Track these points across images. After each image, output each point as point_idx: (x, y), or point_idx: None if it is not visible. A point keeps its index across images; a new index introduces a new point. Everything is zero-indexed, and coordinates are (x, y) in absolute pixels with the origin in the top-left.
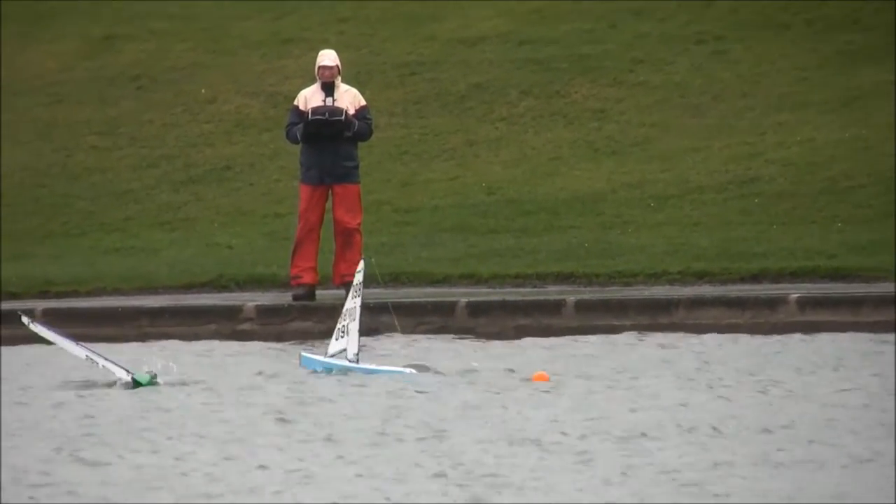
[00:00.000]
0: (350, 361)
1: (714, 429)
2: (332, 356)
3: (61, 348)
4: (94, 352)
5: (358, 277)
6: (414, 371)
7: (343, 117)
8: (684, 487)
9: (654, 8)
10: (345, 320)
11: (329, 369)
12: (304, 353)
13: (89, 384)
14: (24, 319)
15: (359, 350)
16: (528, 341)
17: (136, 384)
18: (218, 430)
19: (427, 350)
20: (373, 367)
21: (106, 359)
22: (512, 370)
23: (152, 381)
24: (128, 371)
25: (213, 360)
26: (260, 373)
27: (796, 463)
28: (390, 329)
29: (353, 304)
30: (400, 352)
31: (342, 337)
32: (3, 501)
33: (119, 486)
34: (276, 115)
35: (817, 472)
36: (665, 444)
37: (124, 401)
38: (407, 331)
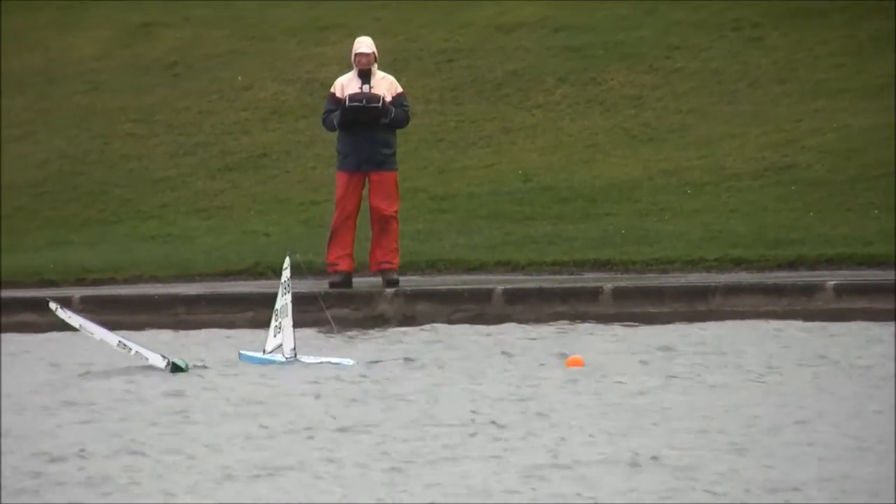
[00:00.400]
0: (287, 357)
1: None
2: (270, 352)
3: (90, 334)
4: (125, 338)
5: (285, 275)
6: (353, 362)
7: (380, 104)
8: None
9: None
10: (278, 318)
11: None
12: (242, 351)
13: (128, 370)
14: (52, 305)
15: (295, 345)
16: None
17: (175, 369)
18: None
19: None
20: (312, 360)
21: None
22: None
23: (188, 367)
24: (164, 356)
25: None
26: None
27: None
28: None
29: (283, 301)
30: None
31: (278, 333)
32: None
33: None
34: (312, 102)
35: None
36: None
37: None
38: (442, 319)
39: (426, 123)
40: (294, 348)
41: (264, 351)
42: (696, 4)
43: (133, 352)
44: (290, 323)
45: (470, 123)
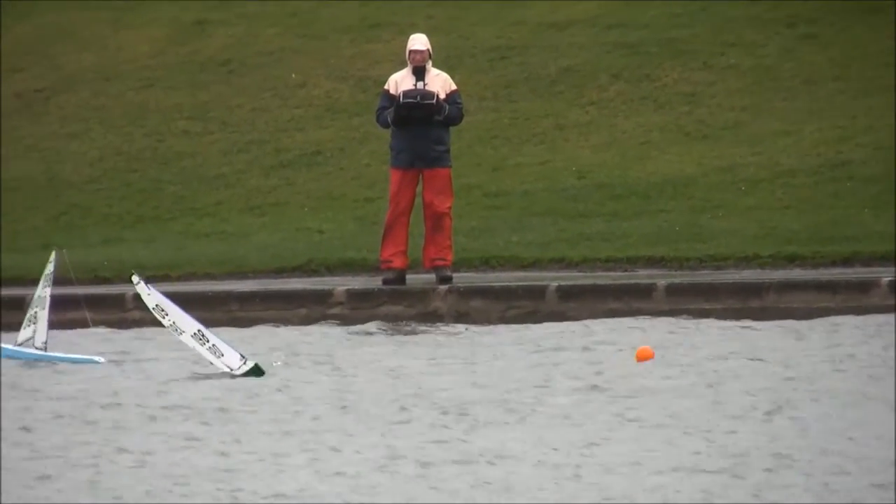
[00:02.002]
0: (38, 349)
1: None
2: (21, 344)
3: (162, 315)
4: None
5: (49, 268)
6: (103, 359)
7: (434, 101)
8: None
9: None
10: (34, 308)
11: (20, 358)
12: (3, 346)
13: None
14: (134, 278)
15: (47, 338)
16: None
17: (253, 372)
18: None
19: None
20: (62, 354)
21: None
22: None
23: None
24: (242, 356)
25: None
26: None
27: None
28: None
29: (44, 292)
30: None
31: (31, 325)
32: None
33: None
34: (365, 99)
35: None
36: None
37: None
38: (495, 316)
39: (480, 120)
40: (45, 342)
41: (15, 343)
42: (751, 1)
43: (209, 344)
44: (46, 316)
45: (524, 120)
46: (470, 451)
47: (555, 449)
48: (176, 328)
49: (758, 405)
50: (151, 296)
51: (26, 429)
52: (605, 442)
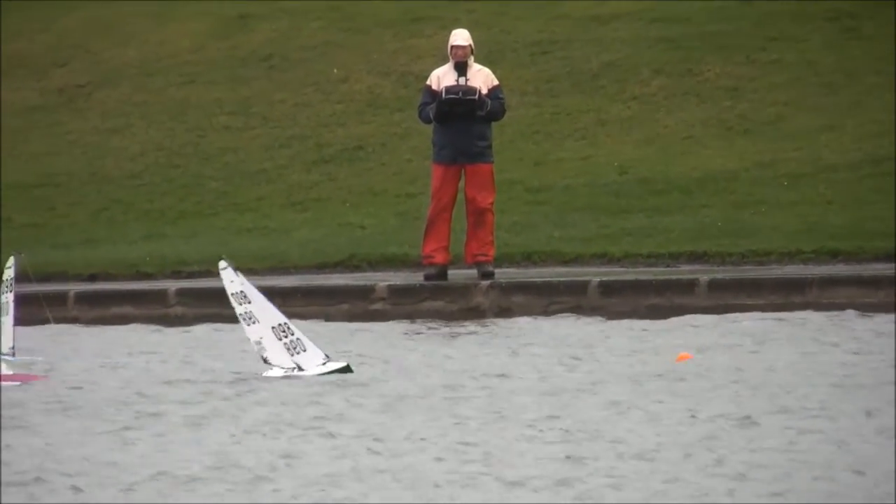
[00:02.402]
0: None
1: None
2: None
3: (241, 303)
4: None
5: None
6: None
7: (476, 96)
8: None
9: None
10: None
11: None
12: None
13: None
14: (222, 263)
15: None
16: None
17: (345, 370)
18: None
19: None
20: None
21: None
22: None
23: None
24: (326, 355)
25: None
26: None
27: None
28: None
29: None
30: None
31: None
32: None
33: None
34: (407, 94)
35: None
36: None
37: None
38: (538, 311)
39: (521, 115)
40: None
41: None
42: None
43: (292, 338)
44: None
45: (565, 115)
46: None
47: None
48: (250, 317)
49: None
50: (235, 282)
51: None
52: None
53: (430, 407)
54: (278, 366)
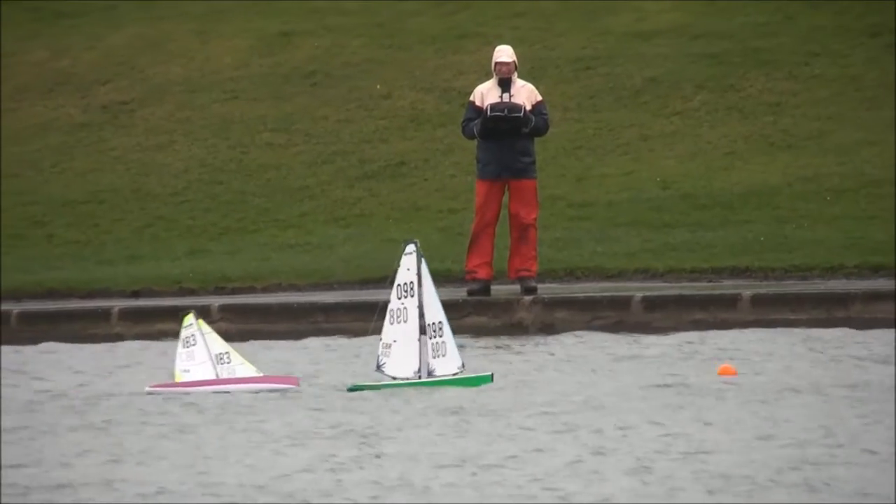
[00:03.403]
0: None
1: None
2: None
3: (404, 302)
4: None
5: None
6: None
7: (521, 113)
8: None
9: (829, 0)
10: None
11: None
12: None
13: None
14: (409, 246)
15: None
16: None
17: (482, 381)
18: None
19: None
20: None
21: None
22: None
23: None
24: (462, 364)
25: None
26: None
27: None
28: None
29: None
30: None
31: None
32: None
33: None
34: (450, 110)
35: None
36: None
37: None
38: (581, 326)
39: (564, 131)
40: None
41: None
42: (835, 10)
43: (441, 339)
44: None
45: (608, 131)
46: None
47: None
48: (399, 315)
49: None
50: (411, 271)
51: None
52: None
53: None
54: (390, 375)
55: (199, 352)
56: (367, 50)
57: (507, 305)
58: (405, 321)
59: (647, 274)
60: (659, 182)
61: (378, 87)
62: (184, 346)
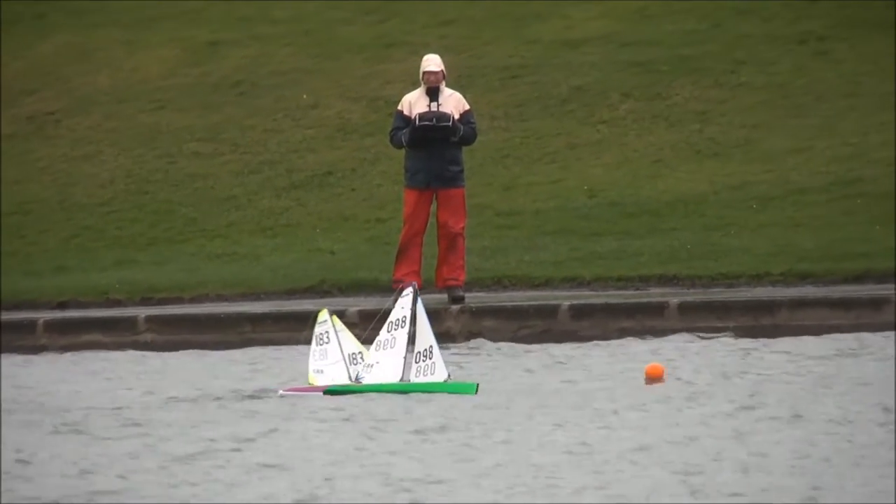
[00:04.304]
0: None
1: None
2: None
3: (393, 334)
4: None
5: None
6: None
7: (450, 122)
8: None
9: (758, 7)
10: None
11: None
12: None
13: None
14: (407, 290)
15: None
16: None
17: (465, 388)
18: None
19: None
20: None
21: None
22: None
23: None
24: (448, 374)
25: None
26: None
27: None
28: None
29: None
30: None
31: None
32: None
33: None
34: (377, 119)
35: None
36: None
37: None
38: (508, 335)
39: (492, 139)
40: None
41: None
42: (763, 18)
43: (430, 361)
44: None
45: (535, 139)
46: None
47: None
48: (388, 343)
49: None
50: (405, 308)
51: None
52: None
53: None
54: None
55: (332, 350)
56: (295, 59)
57: (435, 315)
58: (392, 347)
59: (575, 282)
60: (586, 190)
61: (305, 96)
62: (317, 344)
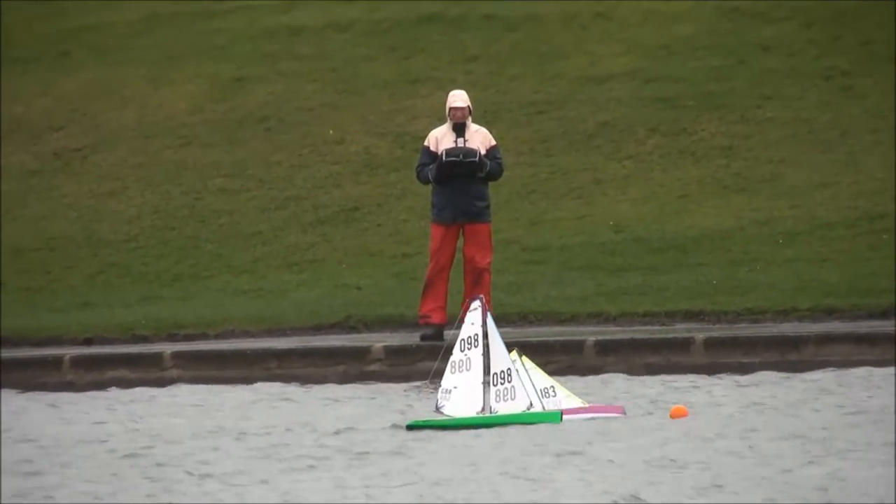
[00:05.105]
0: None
1: None
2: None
3: (468, 354)
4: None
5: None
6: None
7: (477, 158)
8: None
9: (782, 43)
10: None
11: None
12: None
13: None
14: (475, 304)
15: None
16: None
17: (549, 418)
18: None
19: None
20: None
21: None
22: None
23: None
24: (531, 402)
25: None
26: None
27: None
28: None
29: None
30: None
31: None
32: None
33: None
34: (403, 155)
35: None
36: None
37: None
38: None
39: (518, 175)
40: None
41: None
42: (788, 53)
43: (510, 384)
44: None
45: (561, 175)
46: None
47: None
48: (462, 364)
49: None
50: (475, 325)
51: None
52: None
53: None
54: (449, 415)
55: (518, 389)
56: (321, 95)
57: None
58: (468, 370)
59: (601, 318)
60: (612, 226)
61: (331, 132)
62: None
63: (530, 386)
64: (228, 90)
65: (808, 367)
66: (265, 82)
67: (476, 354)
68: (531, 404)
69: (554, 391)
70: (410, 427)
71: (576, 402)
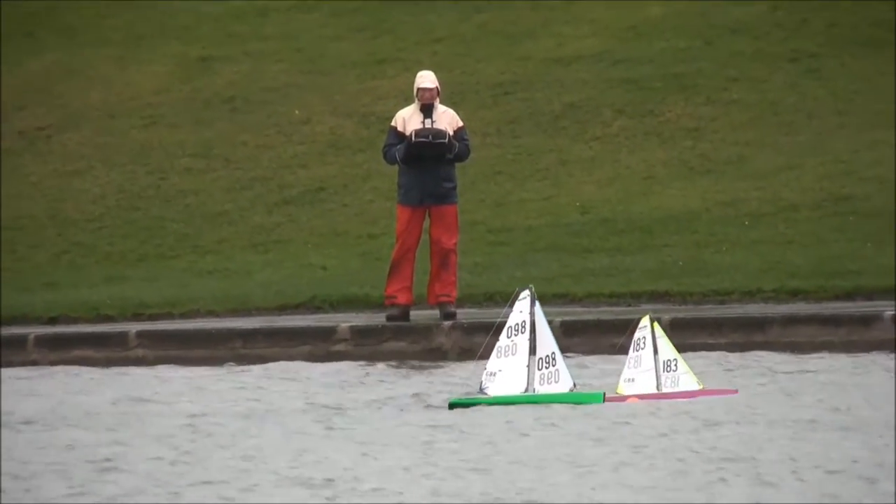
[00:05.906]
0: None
1: None
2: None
3: (514, 339)
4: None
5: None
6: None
7: (446, 140)
8: None
9: (750, 25)
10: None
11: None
12: None
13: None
14: (524, 292)
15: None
16: None
17: (587, 399)
18: None
19: None
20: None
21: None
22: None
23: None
24: (574, 384)
25: None
26: None
27: None
28: None
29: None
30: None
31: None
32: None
33: None
34: (369, 135)
35: None
36: None
37: None
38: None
39: (484, 156)
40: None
41: None
42: (755, 36)
43: (554, 368)
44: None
45: (527, 156)
46: None
47: None
48: (508, 350)
49: None
50: (523, 313)
51: None
52: None
53: None
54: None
55: (645, 357)
56: (287, 75)
57: (427, 331)
58: (514, 354)
59: (566, 299)
60: (578, 207)
61: (297, 112)
62: (634, 350)
63: (651, 354)
64: (194, 70)
65: (774, 347)
66: (231, 62)
67: (523, 340)
68: (574, 386)
69: (676, 365)
70: (453, 405)
71: (692, 382)
